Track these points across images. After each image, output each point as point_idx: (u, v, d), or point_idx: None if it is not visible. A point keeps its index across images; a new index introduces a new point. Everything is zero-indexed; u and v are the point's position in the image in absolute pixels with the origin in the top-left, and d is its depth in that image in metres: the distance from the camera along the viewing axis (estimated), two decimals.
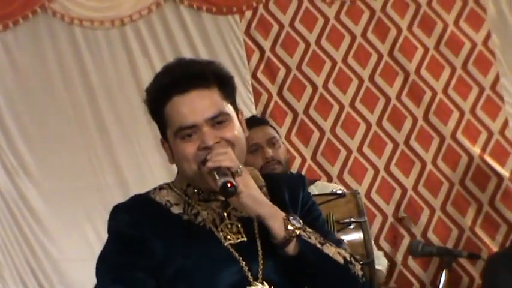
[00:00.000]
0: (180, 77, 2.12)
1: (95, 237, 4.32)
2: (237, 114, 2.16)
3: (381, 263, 3.64)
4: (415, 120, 4.73)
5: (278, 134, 3.67)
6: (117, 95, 4.68)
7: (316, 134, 4.71)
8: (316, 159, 4.69)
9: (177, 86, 2.11)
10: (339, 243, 2.17)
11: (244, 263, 2.08)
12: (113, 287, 2.07)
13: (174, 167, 2.19)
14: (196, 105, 2.09)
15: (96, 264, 2.11)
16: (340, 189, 3.39)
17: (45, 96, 4.65)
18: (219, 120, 2.09)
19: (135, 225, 2.10)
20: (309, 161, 4.67)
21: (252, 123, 3.60)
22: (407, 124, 4.73)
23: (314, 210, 2.26)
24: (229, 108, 2.13)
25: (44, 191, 4.54)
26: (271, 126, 3.70)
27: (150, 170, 4.62)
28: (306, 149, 4.70)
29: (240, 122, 2.16)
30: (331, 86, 4.75)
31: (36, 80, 4.65)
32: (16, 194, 4.49)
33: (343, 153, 4.69)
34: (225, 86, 2.14)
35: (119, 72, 4.69)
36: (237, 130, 2.12)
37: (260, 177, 2.25)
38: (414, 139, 4.72)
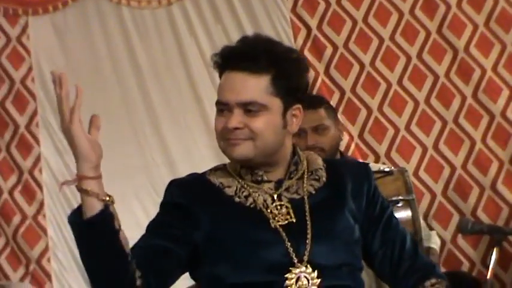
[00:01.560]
0: (236, 54, 2.13)
1: (144, 215, 4.36)
2: (286, 110, 2.14)
3: (435, 241, 3.61)
4: (463, 98, 4.67)
5: (332, 116, 3.57)
6: (164, 75, 4.72)
7: (363, 112, 4.69)
8: (364, 137, 4.67)
9: (231, 62, 2.13)
10: (415, 246, 2.26)
11: (290, 244, 2.09)
12: (142, 238, 2.14)
13: None
14: (235, 86, 2.10)
15: None
16: (388, 168, 3.37)
17: (94, 76, 4.71)
18: (250, 109, 2.09)
19: (186, 197, 2.15)
20: (356, 140, 4.66)
21: (306, 104, 3.56)
22: (456, 102, 4.67)
23: (384, 206, 2.26)
24: (271, 101, 2.11)
25: None
26: (327, 108, 3.57)
27: (197, 149, 4.65)
28: (353, 127, 4.68)
29: (286, 118, 2.14)
30: (378, 64, 4.72)
31: (84, 61, 4.71)
32: (67, 173, 4.56)
33: (391, 131, 4.66)
34: (281, 78, 2.11)
35: (165, 52, 4.72)
36: (267, 124, 2.10)
37: (319, 160, 2.26)
38: (463, 117, 4.66)
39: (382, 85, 4.69)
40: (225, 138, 2.12)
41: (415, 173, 4.56)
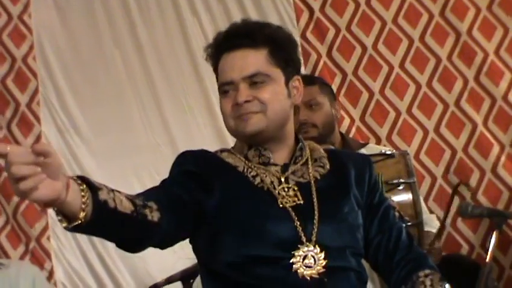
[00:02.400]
0: (230, 36, 2.19)
1: None
2: (287, 81, 2.20)
3: (435, 226, 3.61)
4: (465, 81, 4.66)
5: (327, 94, 3.61)
6: (166, 54, 4.71)
7: (365, 95, 4.68)
8: (365, 120, 4.67)
9: (226, 44, 2.18)
10: (410, 238, 2.28)
11: (298, 223, 2.11)
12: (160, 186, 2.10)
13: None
14: (236, 63, 2.15)
15: None
16: (390, 150, 3.37)
17: (96, 54, 4.70)
18: (256, 80, 2.14)
19: (199, 166, 2.16)
20: (357, 122, 4.65)
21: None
22: (458, 85, 4.67)
23: (383, 198, 2.31)
24: (273, 71, 2.17)
25: (94, 148, 4.60)
26: (322, 86, 3.61)
27: (198, 129, 4.65)
28: (354, 110, 4.68)
29: (289, 88, 2.20)
30: (380, 46, 4.71)
31: (86, 39, 4.70)
32: (68, 153, 4.56)
33: (392, 114, 4.66)
34: (277, 51, 2.18)
35: (168, 31, 4.72)
36: (273, 93, 2.15)
37: (321, 149, 2.31)
38: (465, 100, 4.65)
39: (384, 68, 4.68)
40: (235, 115, 2.15)
41: (416, 156, 4.57)
